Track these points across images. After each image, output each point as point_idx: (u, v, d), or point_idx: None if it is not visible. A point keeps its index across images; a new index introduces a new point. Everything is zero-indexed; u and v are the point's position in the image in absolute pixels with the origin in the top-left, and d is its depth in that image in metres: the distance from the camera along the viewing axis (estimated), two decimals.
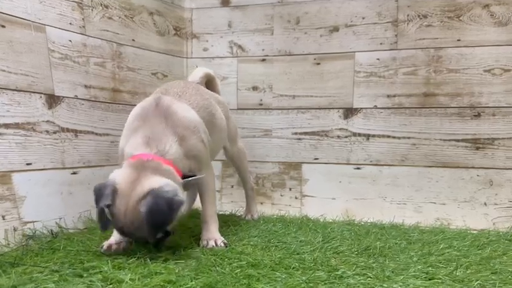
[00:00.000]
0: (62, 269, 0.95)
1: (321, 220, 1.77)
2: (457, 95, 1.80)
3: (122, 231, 1.11)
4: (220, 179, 2.08)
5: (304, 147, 1.99)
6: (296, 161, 2.00)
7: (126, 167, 1.15)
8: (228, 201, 2.08)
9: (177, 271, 0.97)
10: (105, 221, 1.08)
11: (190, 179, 1.22)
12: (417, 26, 1.84)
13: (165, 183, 1.12)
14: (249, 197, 1.82)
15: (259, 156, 2.05)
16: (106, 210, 1.08)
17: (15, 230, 1.22)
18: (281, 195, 2.02)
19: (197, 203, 1.90)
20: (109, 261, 1.00)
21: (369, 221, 1.77)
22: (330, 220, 1.79)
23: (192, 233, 1.42)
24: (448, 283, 0.98)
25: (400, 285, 0.95)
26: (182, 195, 1.15)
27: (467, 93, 1.79)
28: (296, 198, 1.99)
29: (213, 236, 1.28)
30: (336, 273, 1.01)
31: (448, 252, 1.26)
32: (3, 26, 1.33)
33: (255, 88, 2.06)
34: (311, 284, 0.92)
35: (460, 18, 1.80)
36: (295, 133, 2.00)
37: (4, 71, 1.33)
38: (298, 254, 1.18)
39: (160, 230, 1.10)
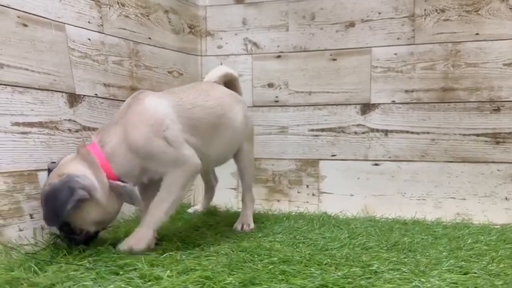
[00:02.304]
0: (96, 267, 0.94)
1: (341, 217, 1.76)
2: (476, 90, 1.79)
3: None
4: (236, 177, 2.07)
5: (321, 144, 1.98)
6: (313, 158, 1.99)
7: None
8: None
9: (210, 267, 0.96)
10: None
11: (116, 183, 1.11)
12: (435, 21, 1.83)
13: (82, 172, 1.09)
14: (245, 205, 1.59)
15: (276, 154, 2.04)
16: None
17: (42, 228, 1.22)
18: (298, 192, 2.01)
19: (214, 201, 1.90)
20: (142, 258, 0.99)
21: (389, 217, 1.76)
22: (350, 217, 1.78)
23: (215, 231, 1.42)
24: (485, 277, 0.98)
25: (437, 280, 0.94)
26: (97, 192, 1.09)
27: (486, 87, 1.78)
28: (313, 195, 1.98)
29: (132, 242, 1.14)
30: (370, 268, 1.00)
31: (477, 247, 1.25)
32: (25, 25, 1.33)
33: (270, 85, 2.05)
34: (349, 279, 0.91)
35: (479, 12, 1.78)
36: (312, 130, 1.99)
37: (27, 69, 1.32)
38: (327, 250, 1.18)
39: (56, 218, 1.07)
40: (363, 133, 1.92)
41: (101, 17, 1.60)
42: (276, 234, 1.37)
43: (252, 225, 1.49)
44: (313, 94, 1.99)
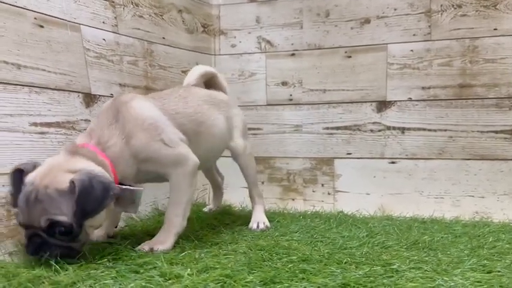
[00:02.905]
0: (116, 265, 0.94)
1: (358, 216, 1.74)
2: (495, 86, 1.76)
3: (24, 223, 0.99)
4: None
5: (336, 142, 1.96)
6: (328, 156, 1.97)
7: (60, 152, 1.07)
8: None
9: (230, 266, 0.96)
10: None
11: (124, 187, 1.08)
12: (451, 16, 1.80)
13: (99, 170, 1.02)
14: (254, 202, 1.58)
15: (290, 152, 2.03)
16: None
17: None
18: (313, 191, 2.00)
19: (229, 200, 1.89)
20: (161, 257, 0.99)
21: (407, 215, 1.74)
22: (367, 215, 1.76)
23: (232, 229, 1.41)
24: (509, 275, 0.95)
25: (460, 278, 0.92)
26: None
27: (505, 83, 1.74)
28: (329, 194, 1.97)
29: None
30: (391, 267, 0.99)
31: (498, 245, 1.23)
32: (41, 26, 1.34)
33: (284, 83, 2.04)
34: (371, 278, 0.90)
35: (496, 6, 1.75)
36: (327, 128, 1.97)
37: (44, 70, 1.33)
38: (345, 249, 1.16)
39: (89, 216, 0.98)
40: (379, 131, 1.89)
41: (115, 17, 1.61)
42: (293, 233, 1.36)
43: (268, 223, 1.49)
44: (328, 92, 1.97)
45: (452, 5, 1.80)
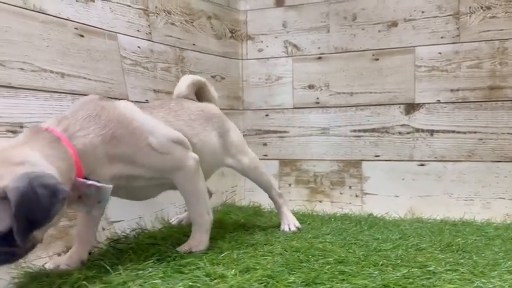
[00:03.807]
0: (161, 266, 0.99)
1: (387, 218, 1.76)
2: None
3: None
4: (277, 178, 2.09)
5: (363, 145, 1.98)
6: (356, 159, 1.99)
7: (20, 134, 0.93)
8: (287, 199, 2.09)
9: (269, 266, 0.99)
10: None
11: (89, 182, 0.93)
12: (480, 18, 1.80)
13: (44, 166, 0.85)
14: (278, 204, 1.55)
15: (317, 155, 2.05)
16: None
17: (103, 229, 1.28)
18: (340, 193, 2.01)
19: (258, 201, 1.92)
20: (204, 257, 1.03)
21: (437, 218, 1.74)
22: (397, 218, 1.77)
23: (265, 231, 1.44)
24: None
25: (498, 280, 0.93)
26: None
27: None
28: (357, 196, 1.98)
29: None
30: (428, 269, 1.00)
31: None
32: (82, 36, 1.40)
33: (311, 86, 2.07)
34: (410, 280, 0.92)
35: None
36: (354, 130, 1.99)
37: (85, 78, 1.39)
38: (380, 251, 1.18)
39: (34, 229, 0.81)
40: (408, 133, 1.90)
41: (149, 25, 1.66)
42: (325, 235, 1.38)
43: (298, 224, 1.51)
44: (355, 95, 1.99)
45: (481, 7, 1.80)
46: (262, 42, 2.14)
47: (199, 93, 1.46)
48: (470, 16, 1.81)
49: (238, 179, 2.00)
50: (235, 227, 1.47)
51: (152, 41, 1.67)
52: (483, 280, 0.93)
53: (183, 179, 1.16)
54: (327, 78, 2.04)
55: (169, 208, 1.60)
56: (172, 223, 1.56)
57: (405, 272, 0.97)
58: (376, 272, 0.97)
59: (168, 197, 1.54)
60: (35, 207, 0.79)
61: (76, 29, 1.38)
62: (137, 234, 1.32)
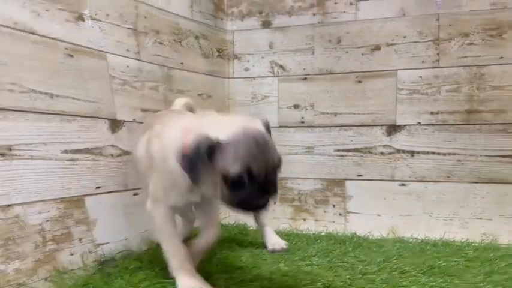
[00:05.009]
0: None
1: (370, 237, 1.79)
2: (502, 112, 1.82)
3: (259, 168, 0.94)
4: None
5: (347, 164, 2.02)
6: (339, 178, 2.03)
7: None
8: (270, 217, 2.11)
9: None
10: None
11: None
12: (459, 44, 1.87)
13: None
14: (261, 224, 1.60)
15: (302, 173, 2.08)
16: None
17: (90, 252, 1.27)
18: (324, 212, 2.05)
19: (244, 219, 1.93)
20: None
21: (418, 237, 1.79)
22: (378, 237, 1.81)
23: (251, 252, 1.46)
24: None
25: None
26: None
27: (511, 109, 1.81)
28: (340, 214, 2.02)
29: None
30: None
31: (510, 271, 1.28)
32: (71, 56, 1.40)
33: (296, 106, 2.10)
34: None
35: (502, 36, 1.82)
36: (338, 150, 2.03)
37: (74, 98, 1.39)
38: (365, 274, 1.21)
39: None
40: (389, 154, 1.95)
41: (137, 45, 1.67)
42: (311, 256, 1.41)
43: (283, 244, 1.53)
44: (339, 115, 2.03)
45: (460, 34, 1.88)
46: (248, 61, 2.17)
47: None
48: (449, 42, 1.89)
49: None
50: (221, 248, 1.48)
51: (141, 60, 1.68)
52: None
53: None
54: (312, 99, 2.08)
55: None
56: None
57: None
58: None
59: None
60: None
61: (66, 49, 1.38)
62: (123, 257, 1.31)
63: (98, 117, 1.46)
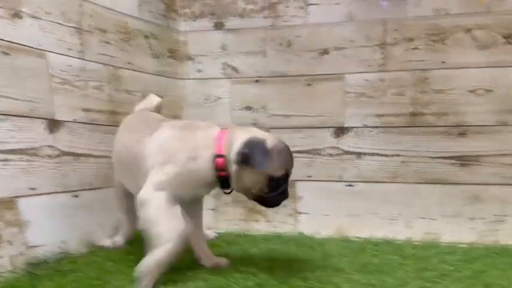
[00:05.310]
0: None
1: (317, 237, 1.82)
2: (444, 114, 1.89)
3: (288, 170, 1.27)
4: (215, 197, 2.11)
5: (297, 166, 2.02)
6: (290, 179, 2.04)
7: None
8: (223, 219, 2.11)
9: None
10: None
11: None
12: (404, 49, 1.93)
13: None
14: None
15: None
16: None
17: (21, 255, 1.23)
18: (276, 213, 2.06)
19: None
20: (122, 284, 1.02)
21: (362, 236, 1.82)
22: (325, 237, 1.83)
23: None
24: None
25: None
26: None
27: (453, 112, 1.88)
28: (290, 215, 2.04)
29: None
30: None
31: (442, 268, 1.32)
32: (7, 54, 1.36)
33: (248, 108, 2.11)
34: None
35: (445, 41, 1.89)
36: None
37: (8, 97, 1.34)
38: (301, 272, 1.23)
39: None
40: (337, 155, 1.99)
41: (81, 44, 1.64)
42: (253, 257, 1.41)
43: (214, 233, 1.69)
44: (290, 117, 2.06)
45: (405, 39, 1.93)
46: (201, 63, 2.17)
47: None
48: (395, 46, 1.94)
49: None
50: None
51: (84, 60, 1.65)
52: None
53: None
54: (264, 101, 2.09)
55: (97, 231, 1.57)
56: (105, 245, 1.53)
57: None
58: None
59: (95, 219, 1.52)
60: None
61: (0, 46, 1.34)
62: (59, 259, 1.28)
63: (34, 117, 1.42)
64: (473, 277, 1.23)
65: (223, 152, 1.21)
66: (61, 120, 1.52)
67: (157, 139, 1.26)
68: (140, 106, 1.64)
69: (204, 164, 1.21)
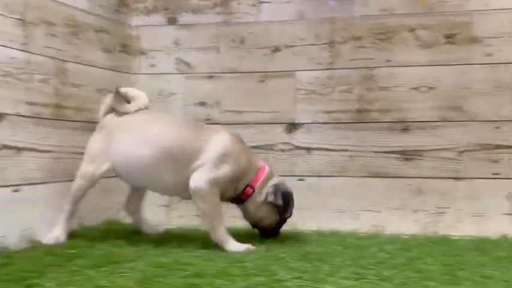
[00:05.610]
0: (6, 286, 0.95)
1: None
2: (388, 111, 1.96)
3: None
4: None
5: None
6: None
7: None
8: (176, 215, 2.11)
9: (122, 284, 1.00)
10: None
11: None
12: (351, 47, 1.99)
13: None
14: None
15: None
16: None
17: None
18: (229, 207, 2.07)
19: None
20: (55, 276, 1.01)
21: (311, 229, 1.87)
22: None
23: (138, 247, 1.45)
24: (375, 282, 1.09)
25: (331, 285, 1.04)
26: None
27: (396, 109, 1.95)
28: None
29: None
30: (275, 277, 1.09)
31: (379, 256, 1.38)
32: None
33: (202, 104, 2.12)
34: None
35: (390, 40, 1.97)
36: None
37: None
38: (241, 262, 1.25)
39: None
40: (289, 150, 2.03)
41: (25, 36, 1.60)
42: (197, 249, 1.43)
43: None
44: (244, 113, 2.08)
45: (353, 37, 2.00)
46: (154, 58, 2.16)
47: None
48: (343, 45, 2.00)
49: (124, 195, 1.98)
50: (109, 245, 1.46)
51: (29, 52, 1.61)
52: (318, 286, 1.03)
53: None
54: (217, 97, 2.11)
55: (39, 226, 1.53)
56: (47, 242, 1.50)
57: (251, 281, 1.04)
58: (225, 283, 1.03)
59: (39, 215, 1.49)
60: None
61: None
62: None
63: None
64: (406, 264, 1.29)
65: (256, 186, 1.57)
66: (2, 113, 1.48)
67: (219, 140, 1.58)
68: (131, 107, 1.69)
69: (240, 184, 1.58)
